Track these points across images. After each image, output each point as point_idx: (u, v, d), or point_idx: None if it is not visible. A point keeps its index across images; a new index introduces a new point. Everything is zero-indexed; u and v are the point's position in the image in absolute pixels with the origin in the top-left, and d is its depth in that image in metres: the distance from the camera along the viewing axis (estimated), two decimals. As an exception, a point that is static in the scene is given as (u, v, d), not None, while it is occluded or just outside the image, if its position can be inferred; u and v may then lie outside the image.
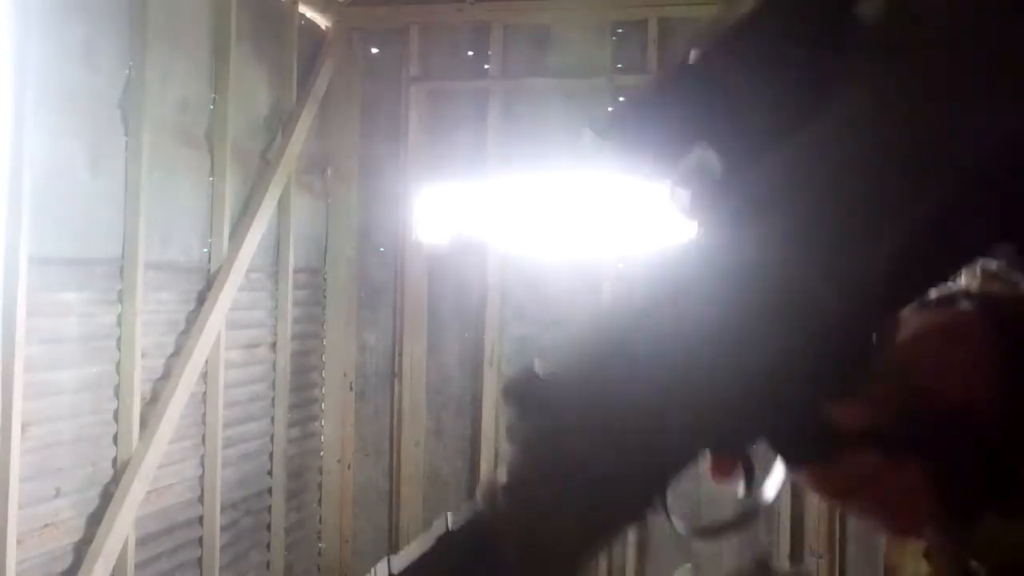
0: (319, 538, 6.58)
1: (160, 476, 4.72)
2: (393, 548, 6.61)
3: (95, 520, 4.30)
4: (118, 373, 4.46)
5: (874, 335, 0.65)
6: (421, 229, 6.67)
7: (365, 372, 6.70)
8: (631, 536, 6.27)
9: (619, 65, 6.36)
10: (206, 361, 5.05)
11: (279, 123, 5.89)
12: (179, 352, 4.87)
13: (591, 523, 0.65)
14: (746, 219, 0.62)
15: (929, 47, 0.58)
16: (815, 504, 5.76)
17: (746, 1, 0.66)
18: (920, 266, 0.63)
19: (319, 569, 6.56)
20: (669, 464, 0.65)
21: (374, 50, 6.68)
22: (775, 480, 0.72)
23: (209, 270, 5.18)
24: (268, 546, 5.88)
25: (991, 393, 0.67)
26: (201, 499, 5.16)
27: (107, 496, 4.37)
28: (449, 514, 0.70)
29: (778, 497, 0.74)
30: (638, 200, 5.89)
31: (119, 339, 4.45)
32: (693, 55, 0.68)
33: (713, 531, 0.73)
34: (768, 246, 0.61)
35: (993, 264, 0.73)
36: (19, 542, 3.82)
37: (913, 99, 0.58)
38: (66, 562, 4.18)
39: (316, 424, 6.55)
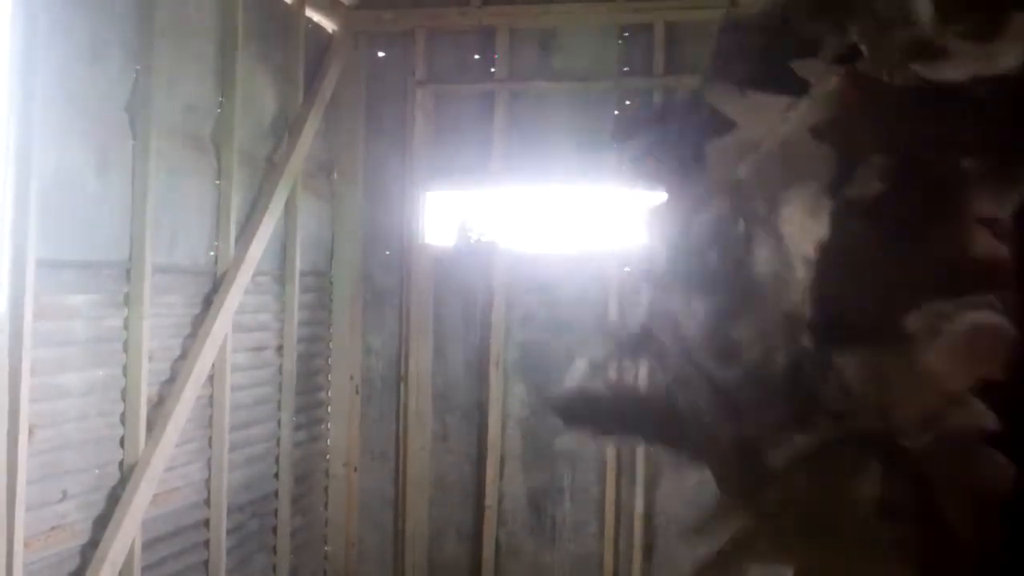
0: (325, 541, 6.57)
1: (167, 479, 4.71)
2: (399, 553, 6.60)
3: (102, 523, 4.29)
4: (125, 376, 4.45)
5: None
6: (427, 232, 6.66)
7: (371, 376, 6.68)
8: (636, 539, 6.25)
9: (625, 68, 6.36)
10: (212, 364, 5.05)
11: (285, 126, 5.88)
12: (186, 355, 4.87)
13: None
14: None
15: None
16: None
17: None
18: None
19: (325, 573, 6.56)
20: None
21: (380, 53, 6.68)
22: None
23: (216, 273, 5.17)
24: (274, 549, 5.87)
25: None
26: (207, 502, 5.16)
27: (114, 499, 4.37)
28: None
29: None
30: (640, 203, 5.87)
31: (126, 342, 4.45)
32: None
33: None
34: None
35: None
36: (26, 545, 3.81)
37: None
38: (73, 564, 4.17)
39: (322, 427, 6.54)
